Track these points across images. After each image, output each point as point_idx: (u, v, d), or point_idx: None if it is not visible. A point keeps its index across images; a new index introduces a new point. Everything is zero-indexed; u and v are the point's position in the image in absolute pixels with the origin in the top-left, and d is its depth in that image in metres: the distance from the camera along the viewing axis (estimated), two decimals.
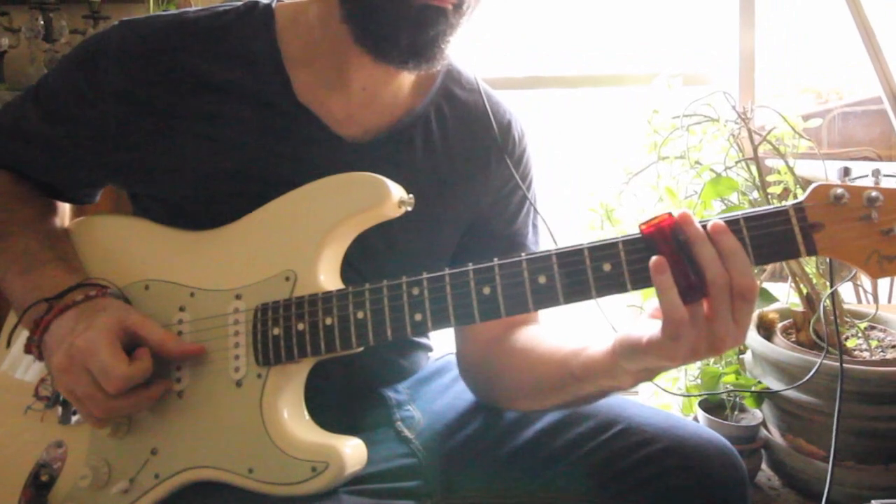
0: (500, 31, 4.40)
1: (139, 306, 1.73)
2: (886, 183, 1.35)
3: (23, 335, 1.75)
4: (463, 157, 1.96)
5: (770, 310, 3.18)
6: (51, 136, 1.84)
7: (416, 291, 1.53)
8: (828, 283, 2.83)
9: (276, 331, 1.61)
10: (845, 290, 3.71)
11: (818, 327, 2.84)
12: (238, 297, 1.68)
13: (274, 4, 1.88)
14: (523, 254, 1.48)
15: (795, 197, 2.93)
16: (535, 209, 2.07)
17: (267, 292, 1.65)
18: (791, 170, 3.07)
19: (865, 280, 4.06)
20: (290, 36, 1.83)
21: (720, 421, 2.95)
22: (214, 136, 1.77)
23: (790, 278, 3.12)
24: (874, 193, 1.32)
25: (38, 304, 1.67)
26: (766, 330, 3.14)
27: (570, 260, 1.44)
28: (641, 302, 3.29)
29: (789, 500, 2.90)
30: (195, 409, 1.66)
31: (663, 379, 3.31)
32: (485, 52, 4.35)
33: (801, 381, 2.73)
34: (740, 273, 1.34)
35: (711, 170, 3.20)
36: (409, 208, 1.67)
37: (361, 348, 1.58)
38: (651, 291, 1.37)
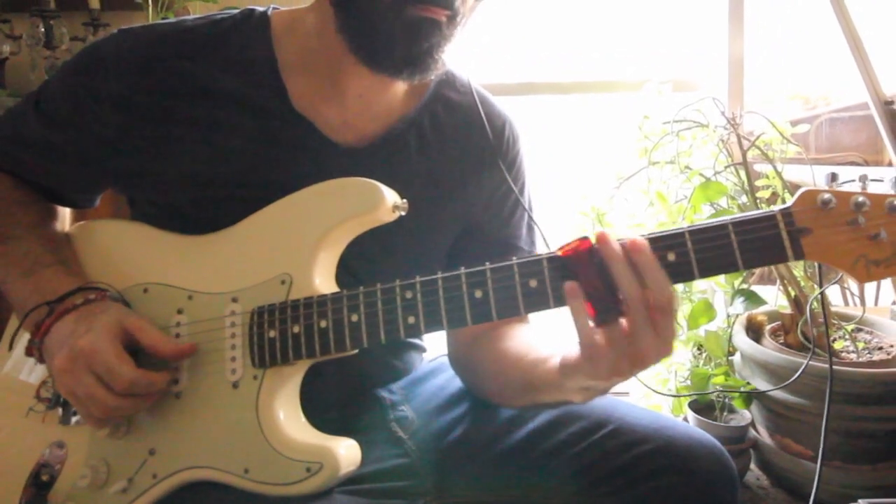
0: (494, 38, 4.40)
1: (138, 309, 1.73)
2: (873, 188, 1.35)
3: (24, 338, 1.74)
4: (457, 161, 1.96)
5: (759, 312, 3.18)
6: (51, 141, 1.85)
7: (409, 294, 1.53)
8: (815, 286, 2.84)
9: (271, 333, 1.61)
10: (832, 293, 3.72)
11: (806, 329, 2.85)
12: (235, 300, 1.68)
13: (270, 12, 1.88)
14: (514, 258, 1.48)
15: (784, 201, 2.94)
16: (528, 212, 2.08)
17: (263, 295, 1.66)
18: (779, 174, 3.08)
19: (852, 283, 4.08)
20: (286, 44, 1.84)
21: (710, 421, 2.95)
22: (212, 142, 1.77)
23: (778, 281, 3.13)
24: (861, 198, 1.32)
25: (40, 307, 1.68)
26: (754, 332, 3.14)
27: (561, 264, 1.44)
28: None
29: (778, 500, 2.90)
30: (192, 410, 1.66)
31: (654, 380, 3.31)
32: (479, 59, 4.35)
33: (787, 382, 2.73)
34: (657, 288, 1.35)
35: (701, 174, 3.21)
36: (404, 213, 1.67)
37: (356, 350, 1.58)
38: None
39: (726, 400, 3.04)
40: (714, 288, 3.40)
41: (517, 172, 2.07)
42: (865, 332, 3.10)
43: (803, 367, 2.67)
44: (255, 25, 1.85)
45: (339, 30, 1.71)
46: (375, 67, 1.72)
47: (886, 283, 3.59)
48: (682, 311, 3.25)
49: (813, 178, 3.04)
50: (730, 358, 3.24)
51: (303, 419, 1.64)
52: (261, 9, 1.89)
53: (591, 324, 1.38)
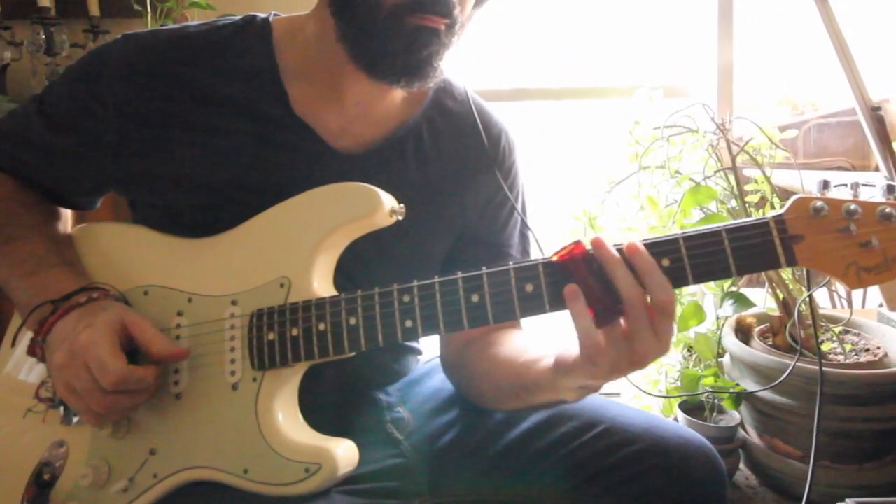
0: (486, 44, 4.40)
1: (139, 311, 1.72)
2: (865, 196, 1.36)
3: (27, 337, 1.74)
4: (454, 168, 1.97)
5: (748, 315, 3.19)
6: (54, 144, 1.85)
7: (406, 299, 1.54)
8: (804, 289, 2.85)
9: (270, 336, 1.62)
10: (820, 296, 3.73)
11: (794, 331, 2.85)
12: (234, 302, 1.68)
13: (271, 19, 1.89)
14: (511, 262, 1.49)
15: (773, 205, 2.95)
16: (523, 219, 2.08)
17: (262, 298, 1.66)
18: (768, 179, 3.08)
19: (840, 286, 4.08)
20: (287, 50, 1.84)
21: (699, 422, 2.96)
22: (213, 146, 1.77)
23: (767, 284, 3.13)
24: (853, 206, 1.33)
25: (44, 305, 1.68)
26: (743, 334, 3.15)
27: (555, 269, 1.45)
28: None
29: (766, 499, 2.90)
30: (193, 411, 1.66)
31: (645, 381, 3.32)
32: (472, 65, 4.35)
33: (775, 383, 2.74)
34: (657, 289, 1.36)
35: (691, 179, 3.21)
36: (401, 217, 1.68)
37: (353, 353, 1.59)
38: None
39: (716, 401, 3.04)
40: (704, 291, 3.41)
41: (513, 181, 2.08)
42: (853, 334, 3.10)
43: (790, 368, 2.68)
44: (257, 32, 1.86)
45: (338, 38, 1.72)
46: (374, 75, 1.73)
47: (873, 286, 3.59)
48: None
49: (801, 182, 3.05)
50: (719, 359, 3.24)
51: (301, 420, 1.65)
52: (262, 15, 1.90)
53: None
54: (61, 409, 1.72)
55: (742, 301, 3.03)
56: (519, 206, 2.08)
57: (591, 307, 1.38)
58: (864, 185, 1.40)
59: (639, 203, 3.41)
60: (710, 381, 3.06)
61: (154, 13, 3.71)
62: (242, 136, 1.78)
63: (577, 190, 3.63)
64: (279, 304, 1.64)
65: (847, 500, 2.27)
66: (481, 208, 2.02)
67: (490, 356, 1.85)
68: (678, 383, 3.23)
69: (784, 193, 3.17)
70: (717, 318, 3.26)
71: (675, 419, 3.11)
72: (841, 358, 2.85)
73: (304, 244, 1.66)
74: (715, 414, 3.03)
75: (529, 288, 1.46)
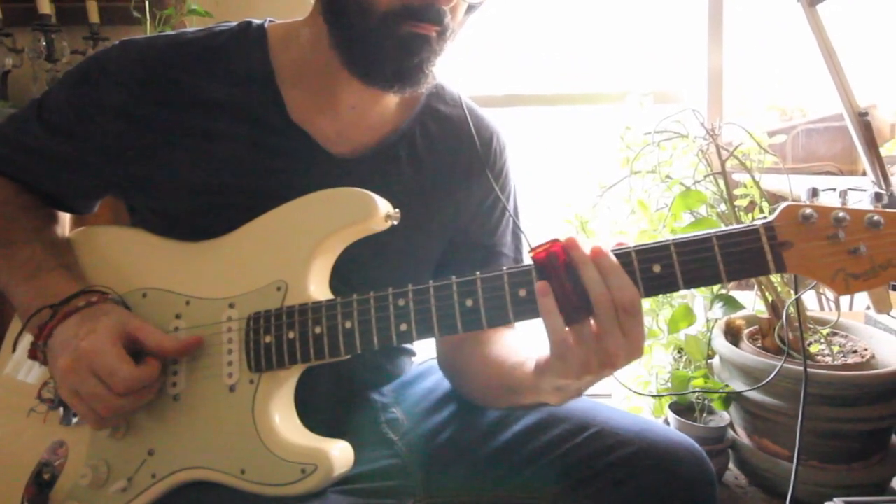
0: (479, 50, 4.41)
1: (137, 314, 1.73)
2: (853, 203, 1.36)
3: (27, 340, 1.74)
4: (447, 171, 1.97)
5: (737, 317, 3.19)
6: (52, 149, 1.85)
7: (401, 302, 1.54)
8: (792, 292, 2.85)
9: (267, 338, 1.62)
10: (808, 298, 3.73)
11: (782, 333, 2.85)
12: (231, 305, 1.69)
13: (266, 25, 1.89)
14: (505, 267, 1.49)
15: (762, 210, 2.95)
16: (514, 221, 2.08)
17: (259, 301, 1.66)
18: (757, 184, 3.08)
19: (827, 289, 4.08)
20: (282, 56, 1.85)
21: (689, 422, 2.95)
22: (209, 151, 1.77)
23: (756, 287, 3.13)
24: (841, 214, 1.33)
25: (43, 309, 1.68)
26: (733, 336, 3.15)
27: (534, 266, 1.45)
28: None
29: (755, 498, 2.90)
30: (190, 412, 1.67)
31: (635, 382, 3.32)
32: (465, 71, 4.36)
33: (762, 383, 2.74)
34: (620, 289, 1.37)
35: (681, 183, 3.21)
36: (396, 222, 1.68)
37: (349, 356, 1.59)
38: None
39: (705, 402, 3.04)
40: (694, 293, 3.41)
41: (504, 182, 2.08)
42: (840, 336, 3.11)
43: (777, 368, 2.68)
44: (253, 38, 1.86)
45: (332, 45, 1.73)
46: (368, 81, 1.73)
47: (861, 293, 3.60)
48: (663, 316, 3.25)
49: (790, 187, 3.06)
50: (709, 361, 3.24)
51: (297, 422, 1.65)
52: (258, 22, 1.90)
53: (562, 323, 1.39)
54: (61, 409, 1.73)
55: (731, 304, 3.03)
56: (511, 207, 2.09)
57: (562, 305, 1.39)
58: (852, 189, 1.40)
59: (630, 207, 3.41)
60: (699, 382, 3.05)
61: (153, 20, 3.71)
62: (239, 141, 1.78)
63: (569, 194, 3.63)
64: (276, 308, 1.64)
65: (835, 499, 2.27)
66: (474, 210, 2.03)
67: (481, 356, 1.85)
68: (668, 384, 3.22)
69: (773, 198, 3.17)
70: (707, 321, 3.26)
71: (666, 420, 3.11)
72: (829, 359, 2.85)
73: (300, 248, 1.67)
74: (705, 415, 3.03)
75: (523, 293, 1.47)
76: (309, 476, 1.55)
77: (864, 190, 1.42)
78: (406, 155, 1.93)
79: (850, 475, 2.75)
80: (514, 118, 4.32)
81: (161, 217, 1.85)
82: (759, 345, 3.01)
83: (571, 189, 3.70)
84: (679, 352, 3.35)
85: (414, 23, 1.64)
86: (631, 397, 3.30)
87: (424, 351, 2.25)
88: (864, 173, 2.90)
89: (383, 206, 1.66)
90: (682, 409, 3.09)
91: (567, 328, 1.39)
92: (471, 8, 1.80)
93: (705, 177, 3.20)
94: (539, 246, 1.43)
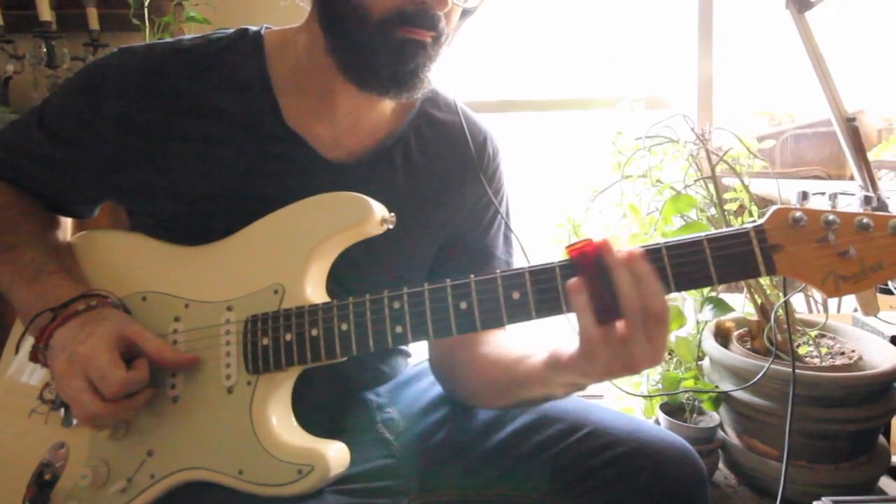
0: (474, 56, 4.41)
1: (137, 317, 1.74)
2: (843, 207, 1.36)
3: (29, 342, 1.74)
4: (441, 175, 1.97)
5: (727, 319, 3.19)
6: (53, 155, 1.85)
7: (396, 305, 1.54)
8: (780, 294, 2.85)
9: (265, 341, 1.62)
10: (797, 301, 3.73)
11: (771, 335, 2.86)
12: (229, 308, 1.69)
13: (263, 32, 1.89)
14: (498, 270, 1.49)
15: (751, 213, 2.96)
16: (507, 224, 2.09)
17: (257, 304, 1.67)
18: (746, 188, 3.09)
19: (816, 292, 4.08)
20: (278, 63, 1.85)
21: (680, 423, 2.96)
22: (207, 157, 1.77)
23: (745, 289, 3.14)
24: (831, 217, 1.34)
25: (44, 313, 1.68)
26: (722, 338, 3.15)
27: (542, 277, 1.46)
28: None
29: (745, 498, 2.91)
30: (189, 413, 1.67)
31: (626, 383, 3.32)
32: (459, 77, 4.36)
33: (750, 382, 2.74)
34: (653, 296, 1.36)
35: (672, 188, 3.21)
36: (391, 226, 1.69)
37: (345, 358, 1.59)
38: None
39: (696, 402, 3.05)
40: (684, 296, 3.41)
41: (497, 185, 2.09)
42: (828, 338, 3.11)
43: (765, 369, 2.68)
44: (249, 45, 1.86)
45: (328, 51, 1.72)
46: (363, 87, 1.73)
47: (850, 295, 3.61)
48: None
49: (779, 191, 3.06)
50: (699, 362, 3.24)
51: (294, 423, 1.66)
52: (254, 29, 1.90)
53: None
54: (62, 411, 1.73)
55: (721, 306, 3.03)
56: (503, 210, 2.09)
57: (592, 304, 1.38)
58: (841, 194, 1.41)
59: (621, 211, 3.42)
60: (690, 383, 3.06)
61: (152, 27, 3.72)
62: (236, 147, 1.78)
63: (561, 198, 3.63)
64: (273, 311, 1.64)
65: (823, 498, 2.27)
66: (467, 213, 2.03)
67: (479, 355, 1.85)
68: (659, 385, 3.23)
69: (762, 202, 3.18)
70: (698, 323, 3.26)
71: (657, 420, 3.11)
72: (817, 361, 2.85)
73: (297, 252, 1.67)
74: (695, 415, 3.03)
75: (516, 295, 1.47)
76: (305, 476, 1.55)
77: (853, 195, 1.42)
78: (401, 159, 1.93)
79: (837, 475, 2.76)
80: (508, 123, 4.33)
81: (160, 222, 1.85)
82: (748, 346, 3.01)
83: (564, 193, 3.71)
84: (670, 353, 3.35)
85: (409, 28, 1.64)
86: (623, 398, 3.31)
87: (419, 352, 2.25)
88: (852, 178, 2.90)
89: (379, 210, 1.66)
90: (673, 409, 3.09)
91: (597, 328, 1.38)
92: (465, 13, 1.81)
93: (695, 181, 3.20)
94: (575, 243, 1.43)
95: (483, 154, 2.05)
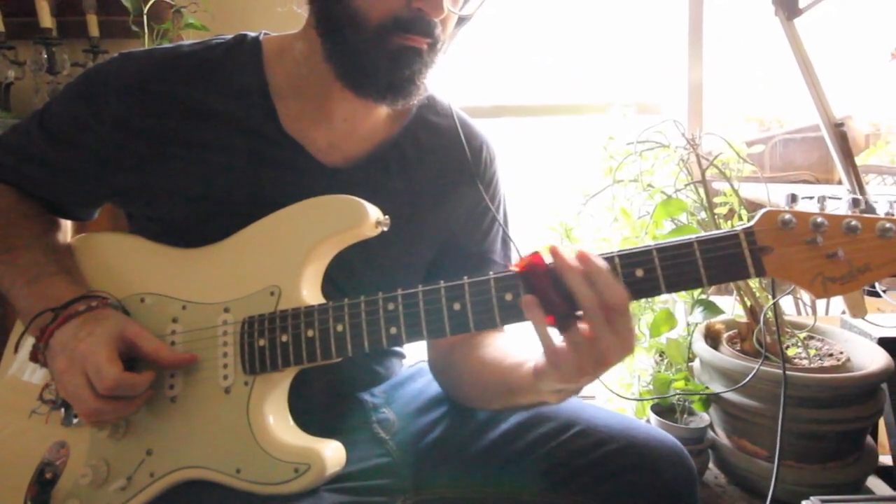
0: (468, 62, 4.42)
1: (135, 317, 1.74)
2: (831, 209, 1.37)
3: (29, 342, 1.75)
4: (436, 180, 1.97)
5: (716, 321, 3.19)
6: (54, 158, 1.86)
7: (391, 306, 1.55)
8: (770, 297, 2.86)
9: (261, 342, 1.63)
10: (786, 303, 3.74)
11: (760, 337, 2.86)
12: (227, 310, 1.69)
13: (261, 38, 1.90)
14: (491, 272, 1.50)
15: (741, 217, 2.96)
16: (503, 228, 2.09)
17: (253, 306, 1.67)
18: (736, 192, 3.09)
19: (805, 294, 4.08)
20: (276, 68, 1.85)
21: (671, 423, 2.96)
22: (205, 161, 1.78)
23: (735, 292, 3.14)
24: (820, 219, 1.34)
25: (44, 313, 1.69)
26: (712, 339, 3.15)
27: (517, 279, 1.47)
28: None
29: (734, 497, 2.91)
30: (187, 413, 1.67)
31: (618, 384, 3.32)
32: (453, 83, 4.36)
33: (741, 384, 2.75)
34: (607, 290, 1.36)
35: (662, 192, 3.22)
36: (386, 228, 1.69)
37: (340, 358, 1.60)
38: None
39: (686, 403, 3.05)
40: (675, 298, 3.41)
41: (493, 191, 2.09)
42: (817, 339, 3.11)
43: (755, 370, 2.69)
44: (248, 51, 1.87)
45: (325, 57, 1.73)
46: (360, 93, 1.74)
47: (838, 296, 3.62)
48: (645, 321, 3.26)
49: (768, 195, 3.07)
50: (689, 364, 3.24)
51: (291, 422, 1.66)
52: (252, 35, 1.91)
53: (554, 331, 1.40)
54: (62, 410, 1.73)
55: (711, 308, 3.03)
56: (500, 216, 2.10)
57: (552, 315, 1.39)
58: (830, 198, 1.41)
59: (613, 215, 3.42)
60: (680, 384, 3.06)
61: (151, 34, 3.72)
62: (234, 152, 1.79)
63: (553, 202, 3.63)
64: (270, 312, 1.65)
65: (811, 497, 2.27)
66: (464, 218, 2.03)
67: (476, 359, 1.85)
68: (650, 386, 3.23)
69: (751, 206, 3.18)
70: (688, 325, 3.26)
71: (648, 421, 3.11)
72: (805, 362, 2.85)
73: (293, 254, 1.67)
74: (685, 416, 3.03)
75: (509, 297, 1.47)
76: (302, 475, 1.55)
77: (840, 198, 1.43)
78: (396, 164, 1.93)
79: (825, 475, 2.76)
80: (501, 128, 4.33)
81: (158, 224, 1.85)
82: (738, 348, 3.01)
83: (556, 197, 3.71)
84: (661, 355, 3.35)
85: (405, 35, 1.65)
86: (614, 399, 3.31)
87: (414, 353, 2.26)
88: (840, 182, 2.91)
89: (373, 212, 1.67)
90: (664, 410, 3.09)
91: (560, 335, 1.39)
92: (461, 21, 1.81)
93: (686, 185, 3.20)
94: (521, 259, 1.44)
95: (479, 159, 2.05)
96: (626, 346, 1.38)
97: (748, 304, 3.00)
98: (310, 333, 1.60)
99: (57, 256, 1.86)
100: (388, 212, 1.70)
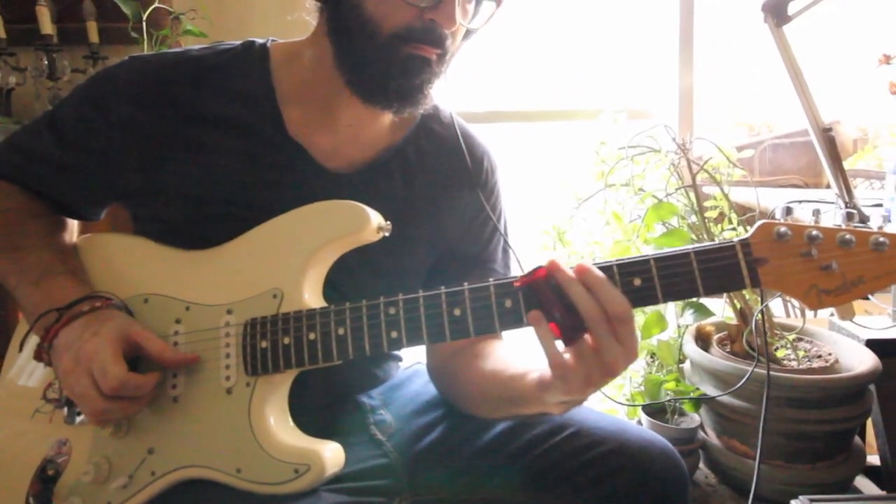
0: (463, 68, 4.43)
1: (139, 318, 1.75)
2: (826, 222, 1.39)
3: (33, 341, 1.76)
4: (438, 188, 1.99)
5: (707, 323, 3.20)
6: (62, 159, 1.87)
7: (392, 311, 1.56)
8: (759, 299, 2.87)
9: (263, 344, 1.64)
10: (775, 305, 3.75)
11: (750, 339, 2.87)
12: (229, 311, 1.70)
13: (269, 44, 1.91)
14: (491, 279, 1.51)
15: (730, 221, 2.97)
16: (504, 238, 2.10)
17: (256, 308, 1.68)
18: (726, 196, 3.10)
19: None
20: (283, 74, 1.87)
21: (662, 424, 2.97)
22: (210, 164, 1.79)
23: (725, 295, 3.15)
24: (815, 232, 1.36)
25: (49, 313, 1.69)
26: (703, 341, 3.16)
27: (521, 293, 1.48)
28: None
29: (724, 496, 2.92)
30: (189, 413, 1.68)
31: (610, 386, 3.33)
32: (449, 88, 4.38)
33: (734, 388, 2.76)
34: (610, 300, 1.38)
35: (654, 196, 3.23)
36: (387, 234, 1.70)
37: (341, 361, 1.61)
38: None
39: (677, 404, 3.06)
40: None
41: (494, 201, 2.10)
42: (805, 341, 3.12)
43: (748, 374, 2.69)
44: (256, 56, 1.88)
45: (335, 64, 1.75)
46: (369, 100, 1.76)
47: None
48: (636, 323, 3.27)
49: (757, 199, 3.08)
50: (680, 365, 3.25)
51: (291, 423, 1.67)
52: (260, 41, 1.92)
53: (560, 344, 1.41)
54: (65, 409, 1.74)
55: (702, 310, 3.04)
56: (501, 225, 2.11)
57: (556, 326, 1.41)
58: (820, 202, 1.43)
59: (605, 219, 3.43)
60: (671, 385, 3.07)
61: (150, 41, 3.72)
62: (239, 155, 1.80)
63: (546, 206, 3.64)
64: (272, 314, 1.66)
65: (800, 497, 2.29)
66: (465, 226, 2.04)
67: (477, 368, 1.85)
68: (642, 388, 3.24)
69: (741, 209, 3.19)
70: (679, 327, 3.26)
71: (639, 421, 3.12)
72: (794, 364, 2.86)
73: (295, 257, 1.68)
74: (676, 416, 3.04)
75: (508, 303, 1.49)
76: (302, 476, 1.56)
77: (832, 202, 1.44)
78: (399, 171, 1.94)
79: (814, 474, 2.77)
80: (496, 133, 4.34)
81: (163, 225, 1.86)
82: (727, 350, 3.02)
83: (549, 201, 3.72)
84: (652, 357, 3.36)
85: (416, 45, 1.68)
86: (604, 400, 3.31)
87: (410, 356, 2.27)
88: (829, 186, 2.92)
89: (375, 218, 1.67)
90: (655, 411, 3.10)
91: (567, 348, 1.41)
92: (468, 33, 1.83)
93: (677, 189, 3.21)
94: (524, 274, 1.45)
95: (480, 170, 2.06)
96: (630, 353, 1.40)
97: (738, 306, 3.01)
98: (311, 336, 1.61)
99: (63, 257, 1.86)
100: (389, 217, 1.71)
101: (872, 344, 3.01)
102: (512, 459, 1.81)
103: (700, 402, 3.03)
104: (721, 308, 3.34)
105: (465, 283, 1.53)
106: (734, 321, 3.08)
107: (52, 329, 1.67)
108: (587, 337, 1.40)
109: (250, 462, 1.60)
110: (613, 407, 3.33)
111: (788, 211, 1.41)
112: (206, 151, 1.80)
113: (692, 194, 3.14)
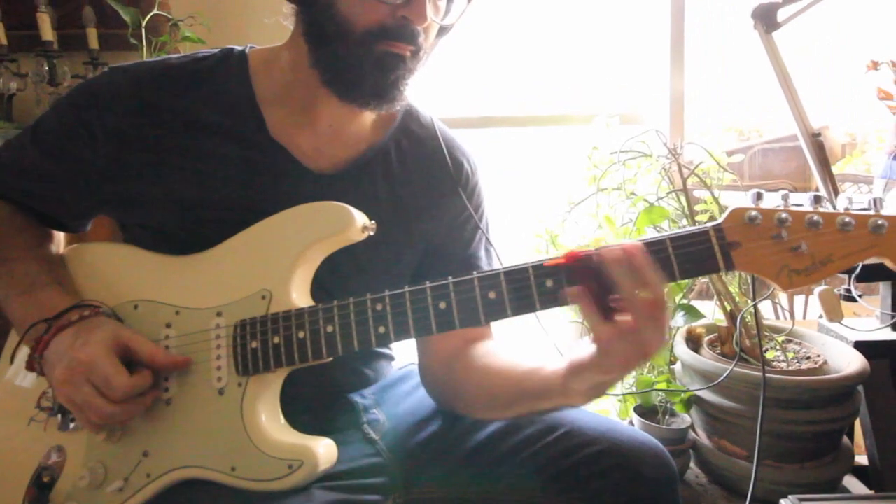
0: (456, 75, 4.42)
1: (129, 324, 1.75)
2: (794, 206, 1.39)
3: (24, 352, 1.75)
4: (420, 188, 1.99)
5: (697, 325, 3.20)
6: (47, 170, 1.86)
7: (379, 307, 1.56)
8: (749, 301, 2.86)
9: (253, 344, 1.63)
10: (765, 307, 3.75)
11: (740, 341, 2.86)
12: (219, 314, 1.70)
13: (247, 50, 1.91)
14: (475, 272, 1.51)
15: None
16: (486, 236, 2.09)
17: (245, 310, 1.68)
18: (716, 200, 3.10)
19: (783, 298, 4.08)
20: (263, 78, 1.87)
21: (653, 424, 2.96)
22: (196, 169, 1.79)
23: (715, 297, 3.15)
24: (784, 215, 1.38)
25: (38, 323, 1.69)
26: (693, 343, 3.16)
27: (517, 277, 1.48)
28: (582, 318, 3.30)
29: (715, 496, 2.91)
30: (182, 415, 1.68)
31: None
32: (442, 95, 4.37)
33: (716, 382, 2.75)
34: (653, 285, 1.37)
35: (645, 200, 3.22)
36: (372, 233, 1.70)
37: (331, 358, 1.61)
38: None
39: (668, 405, 3.05)
40: None
41: (476, 200, 2.10)
42: (795, 343, 3.12)
43: (730, 369, 2.70)
44: (235, 63, 1.88)
45: (312, 64, 1.75)
46: (345, 98, 1.76)
47: (813, 298, 3.62)
48: None
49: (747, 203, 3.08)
50: (671, 367, 3.25)
51: (283, 421, 1.67)
52: (239, 48, 1.93)
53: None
54: (59, 416, 1.74)
55: (692, 313, 3.04)
56: (483, 224, 2.10)
57: (596, 304, 1.41)
58: (793, 194, 1.44)
59: (597, 222, 3.43)
60: (662, 386, 3.06)
61: (149, 47, 3.72)
62: (223, 159, 1.80)
63: (539, 210, 3.64)
64: (261, 315, 1.66)
65: (789, 496, 2.28)
66: (448, 225, 2.04)
67: (482, 367, 1.86)
68: (633, 388, 3.23)
69: None
70: (670, 329, 3.26)
71: (631, 422, 3.12)
72: (784, 365, 2.86)
73: (283, 259, 1.68)
74: (667, 417, 3.04)
75: (492, 295, 1.49)
76: (295, 471, 1.56)
77: (804, 200, 1.44)
78: (381, 171, 1.94)
79: (803, 474, 2.76)
80: (489, 139, 4.34)
81: (151, 232, 1.86)
82: (718, 351, 3.02)
83: (542, 205, 3.71)
84: None
85: (390, 42, 1.68)
86: (597, 400, 3.31)
87: (403, 356, 2.26)
88: (817, 190, 2.91)
89: (360, 218, 1.68)
90: (647, 411, 3.09)
91: (602, 326, 1.41)
92: (442, 30, 1.83)
93: (668, 193, 3.21)
94: (568, 253, 1.46)
95: (461, 171, 2.06)
96: (663, 338, 1.40)
97: (728, 308, 3.01)
98: (301, 335, 1.61)
99: (50, 267, 1.86)
100: (374, 217, 1.71)
101: (860, 346, 3.02)
102: (503, 459, 1.81)
103: (691, 402, 3.03)
104: (711, 310, 3.34)
105: (450, 277, 1.53)
106: (724, 323, 3.07)
107: (43, 339, 1.67)
108: (626, 317, 1.40)
109: (244, 460, 1.60)
110: (605, 407, 3.33)
111: (759, 196, 1.41)
112: (192, 157, 1.80)
113: (683, 198, 3.14)
